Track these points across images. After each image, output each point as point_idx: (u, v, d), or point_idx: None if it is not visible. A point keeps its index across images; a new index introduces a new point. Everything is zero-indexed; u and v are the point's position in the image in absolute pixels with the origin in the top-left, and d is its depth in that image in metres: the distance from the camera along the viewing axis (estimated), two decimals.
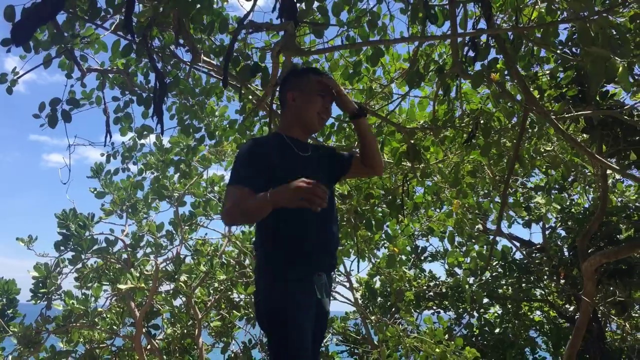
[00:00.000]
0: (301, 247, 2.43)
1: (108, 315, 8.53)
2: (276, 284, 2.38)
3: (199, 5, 3.67)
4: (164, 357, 8.91)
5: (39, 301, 8.07)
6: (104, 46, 4.59)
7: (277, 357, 2.34)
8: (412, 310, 9.11)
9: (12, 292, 8.80)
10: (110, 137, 4.22)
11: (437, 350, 5.54)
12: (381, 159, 2.93)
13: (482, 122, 4.18)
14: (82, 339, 8.58)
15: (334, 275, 2.59)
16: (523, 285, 9.42)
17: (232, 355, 9.54)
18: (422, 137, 4.87)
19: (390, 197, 4.80)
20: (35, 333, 7.82)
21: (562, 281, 8.19)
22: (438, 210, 6.05)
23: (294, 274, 2.39)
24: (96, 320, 8.20)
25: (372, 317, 7.37)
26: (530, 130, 4.84)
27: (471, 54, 3.98)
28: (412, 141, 4.41)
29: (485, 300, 9.79)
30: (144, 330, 8.41)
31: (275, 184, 2.27)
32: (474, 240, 6.45)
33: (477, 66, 4.06)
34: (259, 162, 2.44)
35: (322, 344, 2.69)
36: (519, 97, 4.35)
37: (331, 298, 2.67)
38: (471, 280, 8.85)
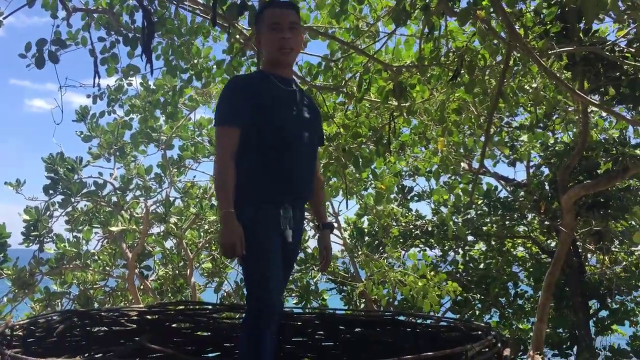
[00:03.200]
0: (275, 179, 2.54)
1: (100, 257, 8.66)
2: (247, 203, 2.49)
3: None
4: (157, 296, 9.12)
5: (31, 244, 8.15)
6: None
7: (247, 271, 2.53)
8: (399, 247, 9.35)
9: (2, 236, 8.89)
10: (99, 77, 4.23)
11: (420, 284, 5.75)
12: None
13: (467, 59, 4.22)
14: (75, 281, 8.73)
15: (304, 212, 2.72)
16: (507, 222, 9.66)
17: (225, 294, 9.78)
18: (409, 76, 4.91)
19: (377, 136, 4.89)
20: (29, 275, 7.95)
21: (543, 215, 8.41)
22: (424, 148, 6.16)
23: (264, 199, 2.52)
24: (88, 262, 8.34)
25: (360, 254, 7.57)
26: (514, 68, 4.89)
27: None
28: (399, 79, 4.47)
29: (470, 237, 10.05)
30: (136, 271, 8.57)
31: (260, 113, 2.52)
32: (459, 178, 6.59)
33: (463, 3, 4.09)
34: (241, 95, 2.55)
35: (293, 274, 2.87)
36: (503, 34, 4.39)
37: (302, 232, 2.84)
38: (456, 218, 9.06)
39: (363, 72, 4.69)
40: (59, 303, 8.60)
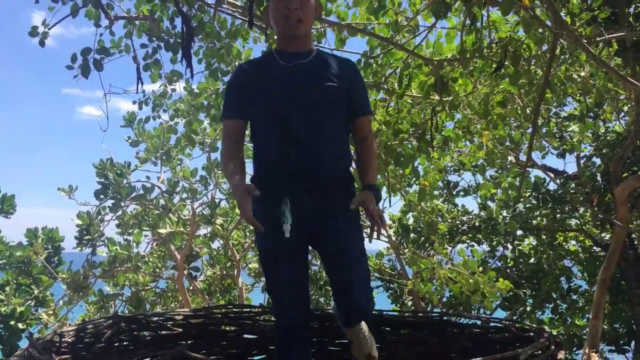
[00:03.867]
0: (274, 171, 2.37)
1: (150, 259, 8.84)
2: (253, 201, 2.28)
3: None
4: (206, 297, 9.25)
5: (84, 248, 8.40)
6: None
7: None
8: (446, 244, 9.20)
9: (56, 240, 9.17)
10: (142, 83, 4.28)
11: (471, 281, 5.63)
12: None
13: (511, 50, 4.10)
14: (127, 282, 8.94)
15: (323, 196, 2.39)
16: (558, 215, 9.39)
17: None
18: (450, 69, 4.81)
19: (419, 132, 4.81)
20: (83, 278, 8.17)
21: (595, 208, 8.14)
22: (468, 142, 6.02)
23: (266, 193, 2.30)
24: (139, 264, 8.52)
25: (406, 252, 7.48)
26: (561, 57, 4.73)
27: None
28: (440, 73, 4.37)
29: (519, 232, 9.82)
30: (185, 272, 8.71)
31: (259, 103, 2.38)
32: (505, 172, 6.42)
33: None
34: (238, 89, 2.45)
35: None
36: (548, 22, 4.25)
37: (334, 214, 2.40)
38: (504, 212, 8.86)
39: (403, 68, 4.61)
40: (113, 304, 8.82)
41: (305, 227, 2.33)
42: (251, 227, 8.89)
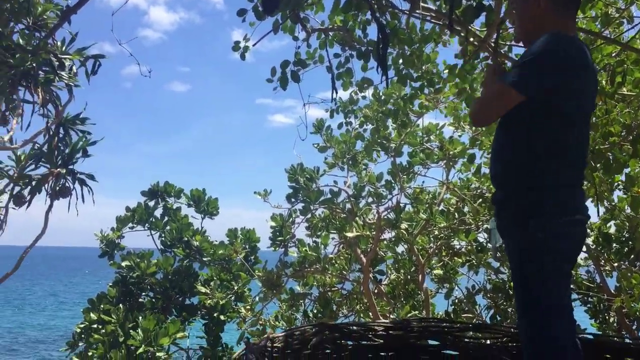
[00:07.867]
0: None
1: (337, 262, 9.08)
2: None
3: None
4: (391, 300, 9.26)
5: (277, 248, 8.91)
6: (322, 6, 4.77)
7: None
8: None
9: (253, 240, 9.86)
10: (337, 92, 4.38)
11: None
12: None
13: None
14: (315, 283, 9.29)
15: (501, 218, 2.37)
16: None
17: (456, 300, 9.57)
18: None
19: (633, 134, 4.31)
20: (276, 277, 8.66)
21: None
22: None
23: None
24: (327, 266, 8.80)
25: (615, 264, 6.78)
26: None
27: None
28: None
29: None
30: (370, 275, 8.80)
31: None
32: None
33: None
34: None
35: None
36: None
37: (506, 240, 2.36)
38: None
39: (616, 64, 4.17)
40: (302, 303, 9.22)
41: None
42: (435, 233, 8.66)
